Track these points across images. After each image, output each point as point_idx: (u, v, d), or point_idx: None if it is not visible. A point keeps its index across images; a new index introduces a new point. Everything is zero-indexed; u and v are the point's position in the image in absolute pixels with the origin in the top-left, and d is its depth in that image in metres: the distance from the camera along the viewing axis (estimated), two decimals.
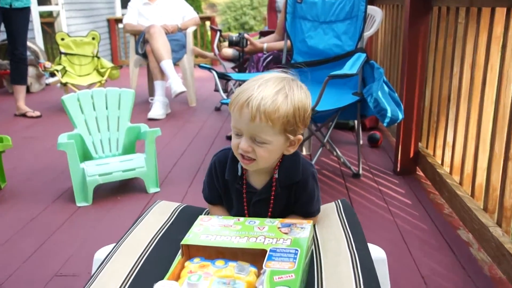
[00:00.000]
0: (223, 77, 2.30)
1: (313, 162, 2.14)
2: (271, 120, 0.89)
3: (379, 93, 2.10)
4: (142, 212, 1.99)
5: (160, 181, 2.32)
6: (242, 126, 0.91)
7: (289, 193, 1.01)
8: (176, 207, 1.16)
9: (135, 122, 2.59)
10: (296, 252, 0.83)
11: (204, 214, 1.11)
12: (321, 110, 2.00)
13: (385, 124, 2.08)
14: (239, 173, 1.01)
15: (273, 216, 1.02)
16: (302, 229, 0.90)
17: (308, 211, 1.03)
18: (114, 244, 1.01)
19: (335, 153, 2.35)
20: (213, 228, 0.91)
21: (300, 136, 0.95)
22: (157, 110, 3.57)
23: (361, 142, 2.81)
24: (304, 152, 2.75)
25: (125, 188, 2.28)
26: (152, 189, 2.21)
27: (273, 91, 0.89)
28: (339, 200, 1.18)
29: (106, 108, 2.25)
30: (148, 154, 2.17)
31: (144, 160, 2.17)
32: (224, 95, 2.30)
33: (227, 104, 2.46)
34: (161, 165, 2.49)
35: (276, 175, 0.99)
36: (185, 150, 2.85)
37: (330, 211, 1.13)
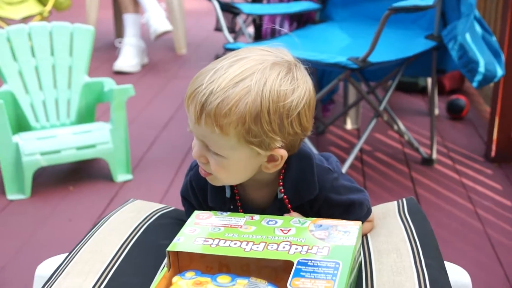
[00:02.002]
0: (229, 9, 2.30)
1: (362, 140, 2.17)
2: (220, 127, 0.89)
3: (467, 37, 2.09)
4: (106, 210, 2.07)
5: (133, 165, 2.36)
6: (191, 126, 0.94)
7: (307, 213, 1.01)
8: (158, 209, 1.19)
9: (96, 75, 2.60)
10: (337, 266, 0.85)
11: None
12: (375, 62, 2.00)
13: (474, 85, 2.08)
14: (228, 195, 1.02)
15: None
16: (346, 233, 0.92)
17: (350, 220, 1.04)
18: (66, 254, 1.04)
19: (396, 128, 2.35)
20: (214, 229, 0.93)
21: (283, 152, 0.94)
22: (128, 59, 3.60)
23: (436, 111, 2.80)
24: (349, 126, 2.76)
25: (80, 175, 2.32)
26: (120, 176, 2.25)
27: (231, 82, 0.89)
28: (403, 199, 1.20)
29: (52, 54, 2.28)
30: (115, 125, 2.21)
31: (109, 132, 2.20)
32: (230, 37, 2.30)
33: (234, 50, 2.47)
34: (135, 141, 2.53)
35: (280, 193, 1.00)
36: (170, 119, 2.88)
37: (389, 214, 1.15)
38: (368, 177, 2.28)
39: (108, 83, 2.27)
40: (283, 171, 0.99)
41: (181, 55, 4.06)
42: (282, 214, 1.00)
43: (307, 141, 2.07)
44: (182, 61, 3.92)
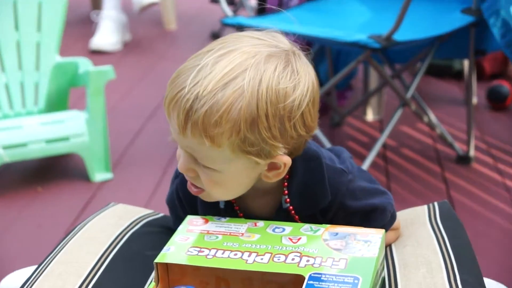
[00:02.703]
0: None
1: (385, 134, 2.16)
2: (210, 138, 0.88)
3: None
4: (81, 215, 2.06)
5: (113, 161, 2.35)
6: (174, 136, 0.93)
7: (320, 223, 1.00)
8: (143, 215, 1.19)
9: (69, 55, 2.59)
10: (356, 281, 0.85)
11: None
12: (402, 41, 1.99)
13: None
14: (222, 205, 1.01)
15: None
16: (367, 243, 0.93)
17: (371, 227, 1.04)
18: (34, 267, 1.04)
19: (426, 119, 2.35)
20: (211, 237, 0.94)
21: (286, 159, 0.93)
22: (107, 35, 3.59)
23: (474, 100, 2.80)
24: (371, 117, 2.76)
25: (50, 173, 2.32)
26: (98, 175, 2.25)
27: (220, 83, 0.87)
28: (434, 203, 1.20)
29: (16, 29, 2.27)
30: (91, 113, 2.20)
31: (84, 122, 2.20)
32: (228, 10, 2.30)
33: (234, 26, 2.47)
34: (115, 133, 2.52)
35: (285, 202, 1.00)
36: (157, 107, 2.87)
37: (417, 220, 1.15)
38: (393, 177, 2.28)
39: (84, 63, 2.27)
40: (287, 176, 0.99)
41: (170, 31, 4.05)
42: None
43: (318, 134, 2.07)
44: (171, 38, 3.91)
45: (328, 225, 0.97)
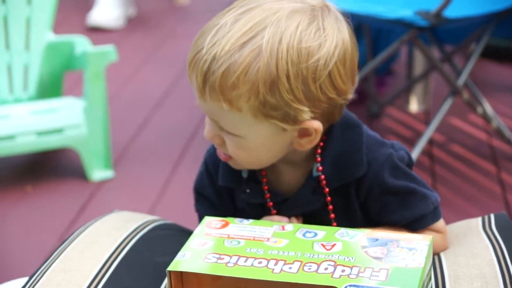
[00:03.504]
0: None
1: (432, 127, 2.16)
2: (228, 102, 0.95)
3: None
4: (77, 219, 2.06)
5: (114, 157, 2.38)
6: (197, 101, 1.01)
7: (350, 202, 1.06)
8: (151, 220, 1.21)
9: (64, 32, 2.61)
10: None
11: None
12: (454, 18, 1.99)
13: None
14: (245, 175, 1.08)
15: None
16: (412, 251, 0.94)
17: (411, 217, 1.07)
18: (26, 279, 1.06)
19: (480, 111, 2.35)
20: (232, 243, 0.95)
21: (317, 124, 0.99)
22: (108, 9, 3.60)
23: None
24: (415, 107, 2.76)
25: (42, 170, 2.34)
26: (97, 173, 2.27)
27: (237, 42, 0.94)
28: (491, 215, 1.21)
29: (3, 2, 2.27)
30: (90, 101, 2.22)
31: (81, 112, 2.22)
32: None
33: None
34: (117, 125, 2.54)
35: (316, 171, 1.05)
36: (165, 94, 2.89)
37: (471, 231, 1.16)
38: (440, 179, 2.29)
39: (81, 43, 2.29)
40: (322, 144, 1.04)
41: (182, 5, 4.08)
42: (317, 199, 1.05)
43: None
44: (182, 14, 3.94)
45: (366, 230, 0.98)
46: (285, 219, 1.05)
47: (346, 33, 0.99)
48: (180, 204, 1.95)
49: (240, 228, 0.98)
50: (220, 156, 1.04)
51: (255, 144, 0.99)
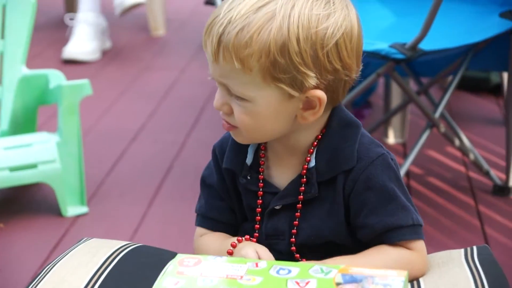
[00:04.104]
0: None
1: (410, 160, 2.17)
2: (241, 60, 1.04)
3: None
4: (51, 255, 2.04)
5: (89, 193, 2.36)
6: (210, 67, 1.10)
7: (337, 197, 1.11)
8: (120, 247, 1.20)
9: (38, 66, 2.60)
10: None
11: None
12: (430, 50, 2.00)
13: None
14: (249, 160, 1.15)
15: (301, 241, 1.11)
16: (386, 287, 0.93)
17: (388, 223, 1.10)
18: None
19: (457, 143, 2.36)
20: (205, 281, 0.94)
21: (321, 93, 1.07)
22: (84, 42, 3.61)
23: None
24: (392, 140, 2.76)
25: (14, 206, 2.32)
26: (72, 209, 2.25)
27: (253, 7, 1.04)
28: (473, 247, 1.21)
29: None
30: (64, 136, 2.21)
31: (55, 147, 2.20)
32: None
33: None
34: (92, 160, 2.53)
35: (309, 162, 1.12)
36: (141, 128, 2.89)
37: (452, 262, 1.16)
38: (418, 211, 2.28)
39: (55, 76, 2.28)
40: (320, 136, 1.12)
41: (158, 37, 4.08)
42: (309, 191, 1.11)
43: None
44: (159, 46, 3.94)
45: (340, 266, 0.98)
46: (256, 253, 1.07)
47: (354, 13, 1.09)
48: (156, 239, 1.94)
49: (214, 265, 0.97)
50: (224, 126, 1.11)
51: (262, 109, 1.06)
